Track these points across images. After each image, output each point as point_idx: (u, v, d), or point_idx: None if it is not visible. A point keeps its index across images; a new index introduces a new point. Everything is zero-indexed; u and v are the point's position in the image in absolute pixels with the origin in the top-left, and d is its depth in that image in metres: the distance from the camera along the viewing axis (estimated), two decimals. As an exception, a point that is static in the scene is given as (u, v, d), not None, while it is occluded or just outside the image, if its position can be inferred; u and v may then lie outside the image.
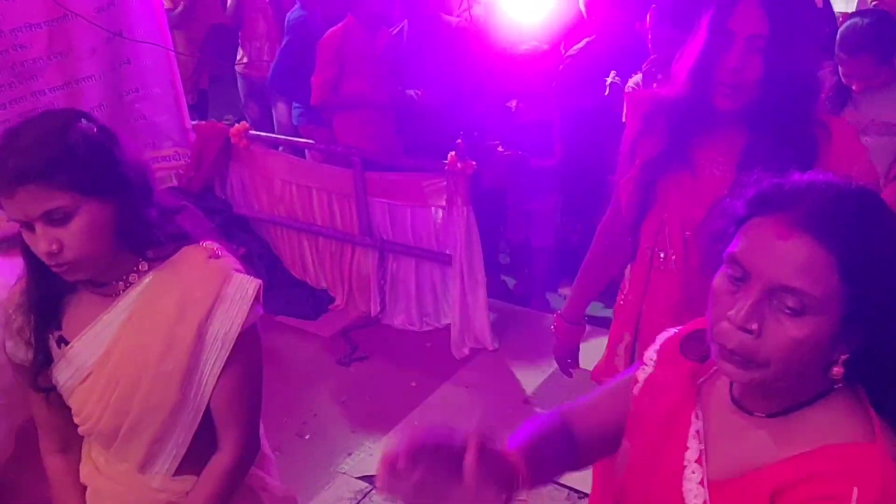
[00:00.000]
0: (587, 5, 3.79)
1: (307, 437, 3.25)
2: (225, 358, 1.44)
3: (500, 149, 3.72)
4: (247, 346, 1.46)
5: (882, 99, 2.89)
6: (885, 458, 0.96)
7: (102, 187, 1.34)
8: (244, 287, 1.45)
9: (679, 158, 1.74)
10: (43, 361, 1.47)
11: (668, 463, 1.13)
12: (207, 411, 1.49)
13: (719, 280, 1.03)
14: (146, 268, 1.45)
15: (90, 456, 1.59)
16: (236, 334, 1.44)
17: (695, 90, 1.66)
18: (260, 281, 1.48)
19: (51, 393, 1.50)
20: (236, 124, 4.26)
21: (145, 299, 1.44)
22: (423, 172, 3.70)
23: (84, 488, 1.60)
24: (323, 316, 4.11)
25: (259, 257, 4.26)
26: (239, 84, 5.53)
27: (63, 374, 1.47)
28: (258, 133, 4.30)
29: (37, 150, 1.29)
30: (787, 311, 0.96)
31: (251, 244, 4.30)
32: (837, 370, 1.00)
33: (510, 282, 4.39)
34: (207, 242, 1.50)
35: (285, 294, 4.13)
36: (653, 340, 1.29)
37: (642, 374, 1.24)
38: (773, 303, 0.97)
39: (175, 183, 4.34)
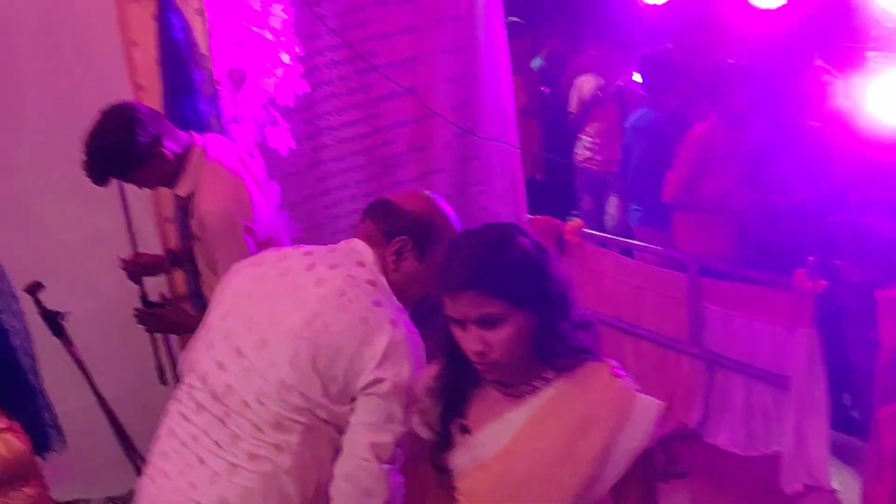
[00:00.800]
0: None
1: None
2: (622, 474, 1.49)
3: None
4: (647, 467, 1.50)
5: None
6: None
7: (532, 300, 1.46)
8: (648, 409, 1.50)
9: None
10: (444, 444, 1.61)
11: None
12: None
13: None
14: (551, 376, 1.54)
15: None
16: (638, 453, 1.47)
17: None
18: (661, 403, 1.52)
19: (445, 472, 1.64)
20: (570, 220, 4.33)
21: (550, 406, 1.53)
22: (766, 286, 3.45)
23: None
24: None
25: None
26: (577, 176, 5.67)
27: (461, 459, 1.60)
28: (592, 231, 4.33)
29: (482, 261, 1.46)
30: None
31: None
32: None
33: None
34: (610, 360, 1.57)
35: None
36: None
37: None
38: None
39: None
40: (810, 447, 3.37)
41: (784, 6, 4.16)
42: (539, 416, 1.53)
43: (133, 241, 3.00)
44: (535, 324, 1.48)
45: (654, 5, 4.49)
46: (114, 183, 2.59)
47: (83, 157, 2.43)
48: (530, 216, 4.43)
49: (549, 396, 1.53)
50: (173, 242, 3.07)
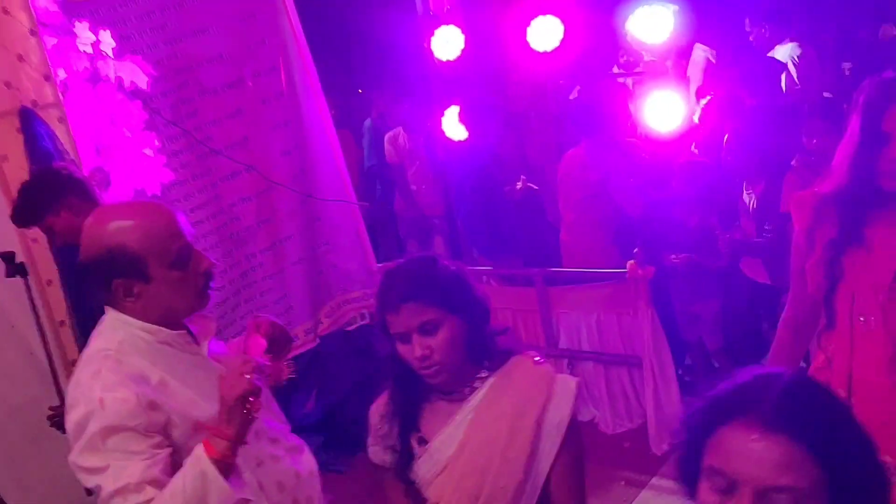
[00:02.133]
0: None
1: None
2: (559, 444, 1.75)
3: (672, 257, 4.00)
4: (574, 435, 1.77)
5: None
6: None
7: (461, 306, 1.73)
8: (568, 385, 1.78)
9: (856, 236, 2.03)
10: (407, 459, 1.82)
11: None
12: (540, 498, 1.77)
13: (705, 495, 1.08)
14: (485, 374, 1.80)
15: None
16: (566, 423, 1.75)
17: (858, 180, 1.99)
18: (578, 379, 1.83)
19: (411, 486, 1.83)
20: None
21: (488, 400, 1.78)
22: (605, 282, 4.00)
23: None
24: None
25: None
26: (400, 223, 6.07)
27: (423, 468, 1.81)
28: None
29: (413, 279, 1.73)
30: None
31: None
32: None
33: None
34: (530, 352, 1.84)
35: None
36: (867, 398, 1.48)
37: None
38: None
39: (367, 321, 4.78)
40: (668, 411, 3.92)
41: (557, 48, 4.85)
42: (482, 410, 1.77)
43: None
44: (465, 329, 1.74)
45: (448, 61, 5.00)
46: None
47: None
48: (380, 265, 4.73)
49: (486, 392, 1.78)
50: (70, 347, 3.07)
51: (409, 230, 6.08)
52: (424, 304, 1.71)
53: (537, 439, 1.74)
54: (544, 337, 4.24)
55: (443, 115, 5.07)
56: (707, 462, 1.08)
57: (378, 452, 1.88)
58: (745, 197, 4.27)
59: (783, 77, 5.23)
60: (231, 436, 1.71)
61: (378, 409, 1.89)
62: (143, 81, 3.49)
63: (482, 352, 1.80)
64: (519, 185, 5.04)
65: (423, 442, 1.81)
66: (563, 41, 4.78)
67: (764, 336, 4.43)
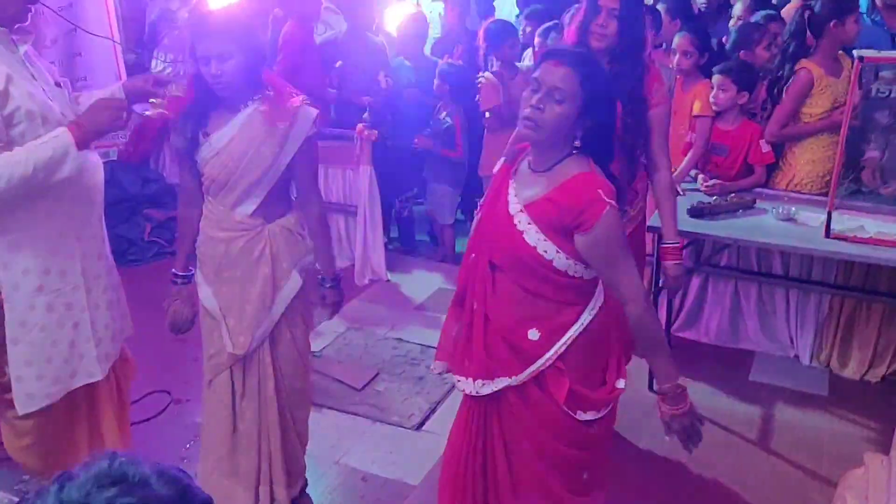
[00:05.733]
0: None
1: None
2: (299, 146, 2.52)
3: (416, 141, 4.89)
4: (311, 146, 2.57)
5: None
6: (596, 175, 2.04)
7: (246, 47, 2.40)
8: (309, 112, 2.54)
9: None
10: (194, 144, 2.50)
11: (500, 205, 2.13)
12: (276, 185, 2.53)
13: (525, 93, 2.05)
14: (256, 97, 2.50)
15: (205, 206, 2.61)
16: (304, 136, 2.52)
17: (580, 38, 2.91)
18: (318, 109, 2.60)
19: (195, 165, 2.54)
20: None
21: (254, 114, 2.49)
22: (336, 140, 4.81)
23: (193, 228, 2.65)
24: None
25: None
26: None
27: (204, 152, 2.50)
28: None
29: (219, 19, 2.43)
30: (556, 100, 1.99)
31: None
32: (576, 141, 2.06)
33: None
34: (299, 94, 2.57)
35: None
36: None
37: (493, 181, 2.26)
38: (549, 97, 1.99)
39: (115, 157, 5.18)
40: (373, 254, 4.86)
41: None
42: (250, 119, 2.45)
43: None
44: (251, 62, 2.41)
45: None
46: None
47: None
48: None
49: (255, 107, 2.46)
50: None
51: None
52: (224, 38, 2.35)
53: (284, 141, 2.51)
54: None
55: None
56: (533, 75, 2.05)
57: (178, 140, 2.56)
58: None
59: None
60: (92, 130, 2.35)
61: (183, 111, 2.53)
62: None
63: (256, 84, 2.50)
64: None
65: (206, 135, 2.51)
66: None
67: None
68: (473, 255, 2.24)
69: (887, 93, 3.49)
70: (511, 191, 2.12)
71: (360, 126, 4.65)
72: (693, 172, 4.08)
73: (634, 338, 2.13)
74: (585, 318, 2.11)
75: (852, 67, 3.42)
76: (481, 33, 4.78)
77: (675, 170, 4.01)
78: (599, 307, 2.14)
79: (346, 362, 3.99)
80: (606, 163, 2.12)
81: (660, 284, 3.50)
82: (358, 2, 5.26)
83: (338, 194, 4.94)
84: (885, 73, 3.43)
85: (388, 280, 4.90)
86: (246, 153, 2.48)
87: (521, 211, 2.06)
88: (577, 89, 1.99)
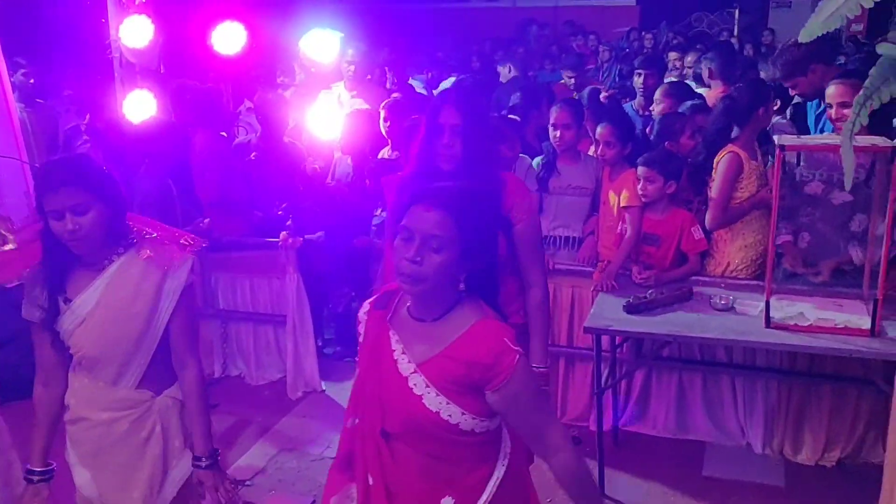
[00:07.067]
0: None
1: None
2: (175, 304, 2.29)
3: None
4: (189, 298, 2.33)
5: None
6: (496, 321, 1.84)
7: (105, 195, 2.17)
8: (186, 259, 2.32)
9: None
10: (54, 315, 2.22)
11: (385, 362, 1.86)
12: (159, 348, 2.29)
13: (396, 242, 1.79)
14: (121, 251, 2.27)
15: (75, 383, 2.33)
16: (181, 289, 2.30)
17: (424, 162, 2.67)
18: (195, 256, 2.36)
19: (56, 337, 2.25)
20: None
21: (121, 271, 2.25)
22: (261, 250, 4.62)
23: (54, 412, 2.34)
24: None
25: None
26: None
27: (66, 321, 2.23)
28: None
29: (72, 167, 2.17)
30: (433, 249, 1.75)
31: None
32: (462, 285, 1.82)
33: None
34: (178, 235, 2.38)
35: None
36: None
37: (361, 327, 1.99)
38: (425, 246, 1.75)
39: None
40: (305, 363, 4.62)
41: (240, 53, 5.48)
42: (116, 278, 2.22)
43: None
44: (108, 214, 2.15)
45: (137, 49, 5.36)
46: None
47: None
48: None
49: (119, 264, 2.23)
50: None
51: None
52: (79, 188, 2.12)
53: (157, 299, 2.27)
54: (201, 298, 4.73)
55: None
56: (403, 224, 1.80)
57: (30, 310, 2.25)
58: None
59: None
60: None
61: (30, 276, 2.26)
62: None
63: (120, 235, 2.27)
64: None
65: (67, 300, 2.23)
66: (245, 48, 5.44)
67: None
68: (356, 419, 1.96)
69: (811, 177, 3.47)
70: (395, 345, 1.88)
71: (283, 234, 4.48)
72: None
73: (566, 491, 1.90)
74: (499, 471, 1.89)
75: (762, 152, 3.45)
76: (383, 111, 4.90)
77: (609, 262, 3.95)
78: (509, 453, 1.93)
79: (278, 490, 3.73)
80: (495, 298, 1.91)
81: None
82: (273, 106, 5.14)
83: (265, 304, 4.72)
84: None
85: (324, 390, 4.66)
86: (117, 318, 2.23)
87: (416, 372, 1.82)
88: (454, 234, 1.76)
